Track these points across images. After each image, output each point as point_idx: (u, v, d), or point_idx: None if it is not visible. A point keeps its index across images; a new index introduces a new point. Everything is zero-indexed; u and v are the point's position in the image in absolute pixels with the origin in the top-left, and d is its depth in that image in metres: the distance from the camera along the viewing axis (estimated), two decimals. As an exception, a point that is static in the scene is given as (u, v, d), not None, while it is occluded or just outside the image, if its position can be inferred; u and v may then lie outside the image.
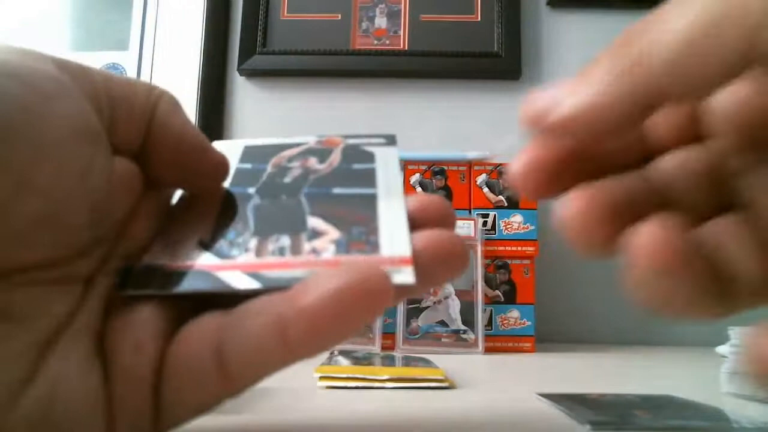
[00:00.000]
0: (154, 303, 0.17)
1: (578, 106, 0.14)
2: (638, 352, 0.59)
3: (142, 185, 0.19)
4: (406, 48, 0.79)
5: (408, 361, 0.40)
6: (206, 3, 0.81)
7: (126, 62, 0.80)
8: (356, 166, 0.22)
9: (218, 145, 0.23)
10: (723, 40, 0.12)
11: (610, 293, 0.72)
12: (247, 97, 0.80)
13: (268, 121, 0.79)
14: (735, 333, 0.35)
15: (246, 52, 0.79)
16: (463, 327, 0.54)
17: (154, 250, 0.18)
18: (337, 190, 0.21)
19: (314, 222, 0.19)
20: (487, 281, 0.57)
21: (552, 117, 0.15)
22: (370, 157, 0.23)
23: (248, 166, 0.23)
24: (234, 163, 0.23)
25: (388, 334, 0.54)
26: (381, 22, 0.80)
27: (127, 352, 0.16)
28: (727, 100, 0.14)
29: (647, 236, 0.13)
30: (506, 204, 0.58)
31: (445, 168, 0.60)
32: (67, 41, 0.82)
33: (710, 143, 0.16)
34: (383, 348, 0.53)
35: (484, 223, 0.58)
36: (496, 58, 0.77)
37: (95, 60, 0.79)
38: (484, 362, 0.48)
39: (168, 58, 0.81)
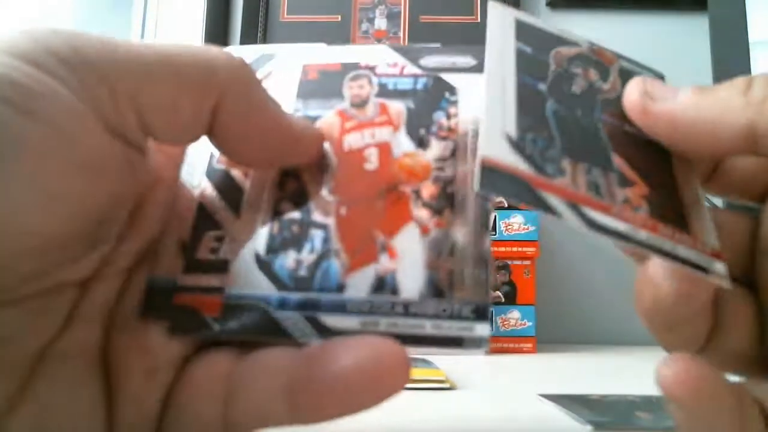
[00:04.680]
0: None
1: (686, 110, 0.15)
2: (639, 352, 0.59)
3: (153, 177, 0.16)
4: (406, 49, 0.79)
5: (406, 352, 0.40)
6: (206, 4, 0.81)
7: (126, 64, 0.80)
8: None
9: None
10: None
11: (610, 294, 0.72)
12: (247, 99, 0.80)
13: (268, 122, 0.79)
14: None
15: (246, 54, 0.79)
16: (463, 328, 0.54)
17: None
18: (628, 128, 0.17)
19: (619, 162, 0.16)
20: (488, 282, 0.57)
21: (656, 106, 0.16)
22: None
23: (528, 49, 0.18)
24: (511, 40, 0.18)
25: (389, 335, 0.54)
26: (381, 23, 0.80)
27: (137, 378, 0.14)
28: None
29: (676, 369, 0.13)
30: (506, 205, 0.58)
31: (446, 169, 0.60)
32: (67, 43, 0.83)
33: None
34: (384, 349, 0.53)
35: (485, 224, 0.58)
36: (496, 59, 0.77)
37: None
38: (485, 363, 0.48)
39: (168, 60, 0.81)
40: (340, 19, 0.80)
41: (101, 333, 0.15)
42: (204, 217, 0.16)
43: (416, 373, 0.35)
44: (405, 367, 0.14)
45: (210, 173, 0.17)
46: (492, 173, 0.14)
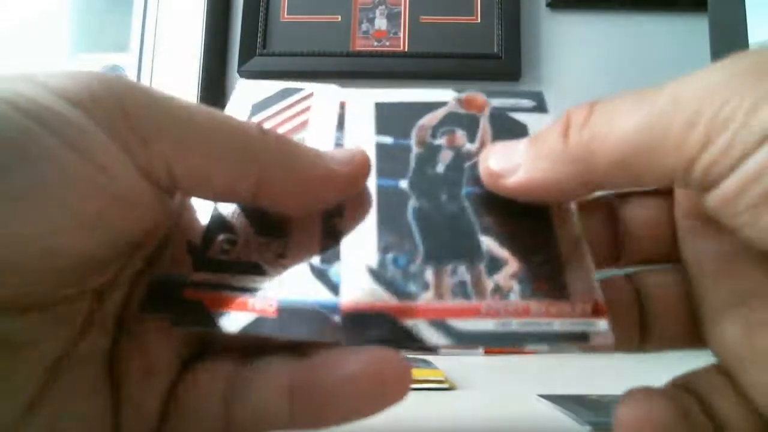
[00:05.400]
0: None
1: (530, 179, 0.15)
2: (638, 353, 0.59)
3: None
4: (406, 50, 0.78)
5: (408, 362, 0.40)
6: (206, 4, 0.81)
7: (126, 64, 0.80)
8: None
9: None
10: (661, 160, 0.13)
11: (610, 294, 0.72)
12: (247, 99, 0.80)
13: (268, 122, 0.79)
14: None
15: (246, 54, 0.79)
16: (463, 328, 0.54)
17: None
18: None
19: (488, 244, 0.16)
20: (487, 282, 0.57)
21: (507, 182, 0.16)
22: (522, 131, 0.18)
23: (389, 140, 0.18)
24: (371, 134, 0.18)
25: (389, 335, 0.54)
26: (381, 23, 0.80)
27: (137, 379, 0.15)
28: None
29: (631, 413, 0.15)
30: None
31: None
32: (67, 42, 0.82)
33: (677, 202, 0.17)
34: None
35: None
36: (496, 60, 0.77)
37: (95, 62, 0.79)
38: (485, 363, 0.48)
39: (168, 60, 0.81)
40: (340, 19, 0.80)
41: (111, 338, 0.15)
42: (218, 221, 0.17)
43: (416, 373, 0.35)
44: (407, 377, 0.14)
45: None
46: (356, 319, 0.14)
